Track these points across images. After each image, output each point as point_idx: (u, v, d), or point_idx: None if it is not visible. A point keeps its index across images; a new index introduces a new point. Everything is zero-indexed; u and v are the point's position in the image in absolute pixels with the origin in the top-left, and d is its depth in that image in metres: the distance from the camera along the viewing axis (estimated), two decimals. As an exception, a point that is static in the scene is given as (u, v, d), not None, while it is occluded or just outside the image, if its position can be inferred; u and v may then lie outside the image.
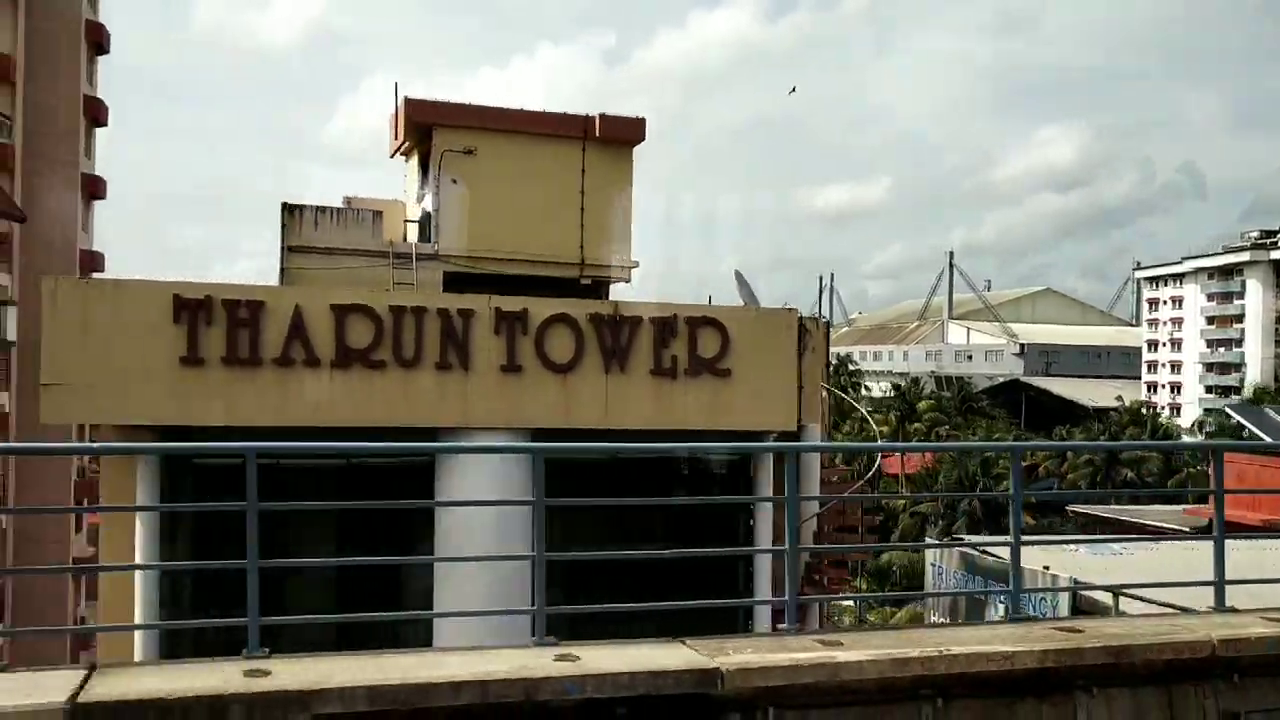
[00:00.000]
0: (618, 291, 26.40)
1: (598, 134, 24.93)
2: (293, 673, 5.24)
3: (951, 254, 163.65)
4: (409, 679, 5.17)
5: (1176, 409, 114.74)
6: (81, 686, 4.67)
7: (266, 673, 5.19)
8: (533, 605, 6.10)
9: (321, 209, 23.98)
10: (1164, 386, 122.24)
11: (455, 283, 24.35)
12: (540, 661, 5.47)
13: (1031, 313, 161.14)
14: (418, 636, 11.61)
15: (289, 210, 23.64)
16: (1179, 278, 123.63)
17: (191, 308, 11.92)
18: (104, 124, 45.80)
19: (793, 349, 14.23)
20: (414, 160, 27.05)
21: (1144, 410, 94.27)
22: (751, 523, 14.20)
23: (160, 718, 4.66)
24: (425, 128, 24.20)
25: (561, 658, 5.53)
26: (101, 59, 46.23)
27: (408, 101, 24.13)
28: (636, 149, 25.46)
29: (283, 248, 23.47)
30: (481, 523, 11.85)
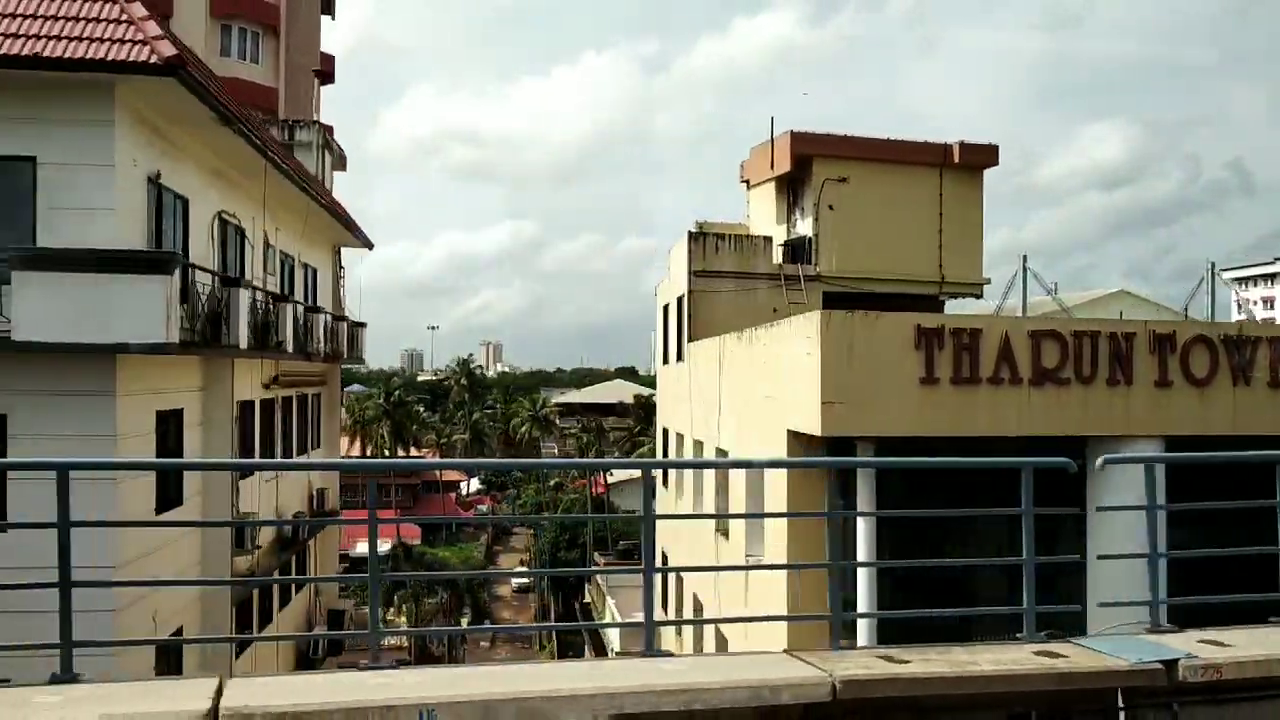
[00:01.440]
0: (968, 306, 28.21)
1: (955, 160, 26.72)
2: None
3: (1025, 257, 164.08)
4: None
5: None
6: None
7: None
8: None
9: (721, 236, 25.89)
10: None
11: (833, 301, 26.21)
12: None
13: (1107, 315, 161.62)
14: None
15: (694, 237, 25.59)
16: (1270, 278, 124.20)
17: (928, 335, 13.82)
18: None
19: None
20: (759, 188, 28.95)
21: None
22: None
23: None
24: (805, 158, 26.06)
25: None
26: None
27: (793, 135, 26.00)
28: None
29: (689, 272, 25.40)
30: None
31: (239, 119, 15.94)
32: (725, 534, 20.43)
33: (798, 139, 25.99)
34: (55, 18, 13.95)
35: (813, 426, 13.74)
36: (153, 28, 13.69)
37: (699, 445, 23.81)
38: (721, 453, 20.61)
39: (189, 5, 31.05)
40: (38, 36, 13.72)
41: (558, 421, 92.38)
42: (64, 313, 13.30)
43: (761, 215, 28.84)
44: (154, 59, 13.39)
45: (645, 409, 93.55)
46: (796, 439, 14.91)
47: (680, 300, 26.58)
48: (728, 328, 24.78)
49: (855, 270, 26.29)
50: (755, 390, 17.48)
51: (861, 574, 14.25)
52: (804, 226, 26.83)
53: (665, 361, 29.60)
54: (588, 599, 51.46)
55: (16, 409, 13.93)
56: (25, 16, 13.96)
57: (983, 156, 27.08)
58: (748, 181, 29.63)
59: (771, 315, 25.48)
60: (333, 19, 47.29)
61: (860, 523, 14.18)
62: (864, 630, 13.95)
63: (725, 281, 25.40)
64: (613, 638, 38.96)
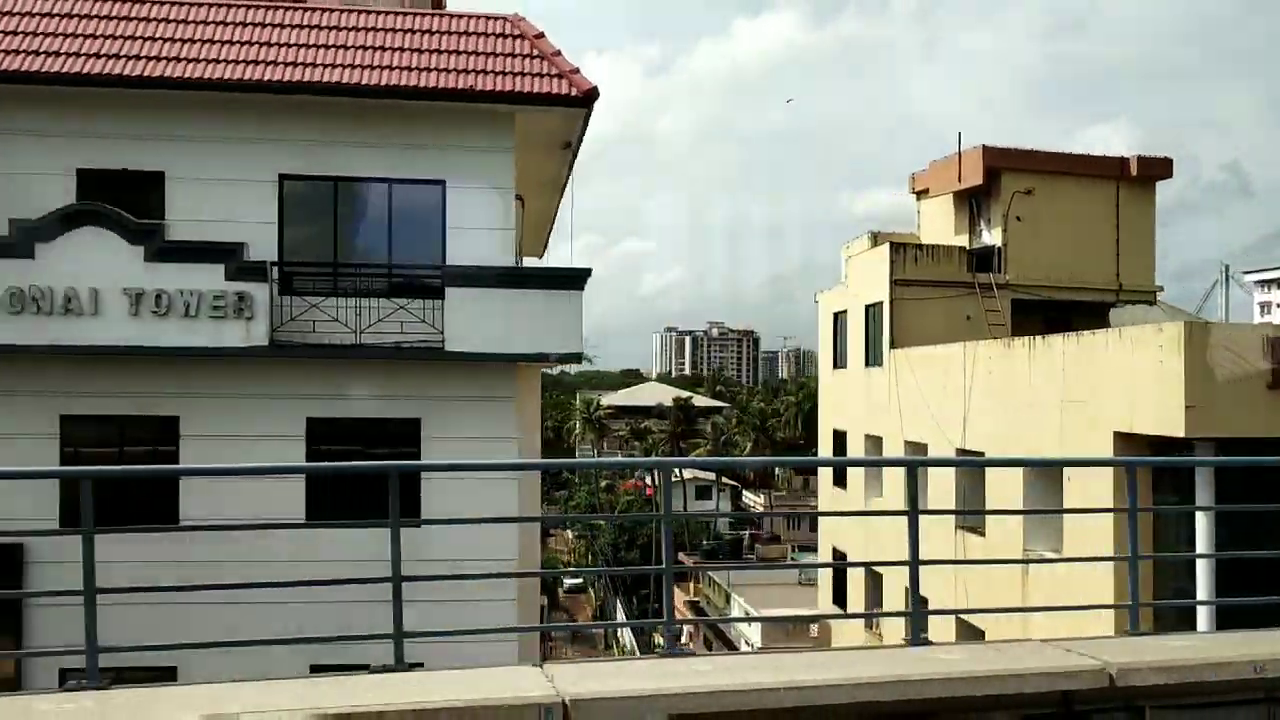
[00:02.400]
0: (1142, 314, 29.37)
1: (1132, 173, 27.94)
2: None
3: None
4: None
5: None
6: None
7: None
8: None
9: (920, 247, 27.05)
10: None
11: (1021, 308, 27.43)
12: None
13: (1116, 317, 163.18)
14: None
15: (895, 248, 26.75)
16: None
17: (1274, 344, 15.01)
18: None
19: None
20: (935, 199, 30.12)
21: None
22: None
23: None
24: (995, 171, 27.25)
25: None
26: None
27: (985, 149, 27.17)
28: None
29: (891, 281, 26.55)
30: None
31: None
32: (975, 531, 21.53)
33: (989, 153, 27.18)
34: (459, 52, 15.03)
35: (1170, 429, 14.89)
36: (565, 62, 14.76)
37: (911, 445, 24.94)
38: (968, 453, 21.73)
39: None
40: (443, 70, 14.79)
41: (609, 424, 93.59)
42: (490, 325, 14.38)
43: (936, 225, 30.00)
44: (574, 91, 14.47)
45: (684, 411, 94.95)
46: (1127, 440, 16.06)
47: (871, 308, 27.73)
48: (926, 334, 25.98)
49: (1040, 278, 27.50)
50: (1043, 394, 18.60)
51: (1200, 565, 15.41)
52: (989, 236, 28.01)
53: (839, 366, 30.74)
54: (693, 596, 52.60)
55: (430, 413, 14.99)
56: (432, 52, 15.03)
57: (1157, 169, 28.31)
58: (918, 193, 30.81)
59: (965, 323, 26.71)
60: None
61: (1200, 517, 15.34)
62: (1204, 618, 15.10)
63: (922, 290, 26.56)
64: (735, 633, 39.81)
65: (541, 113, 15.08)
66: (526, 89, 14.53)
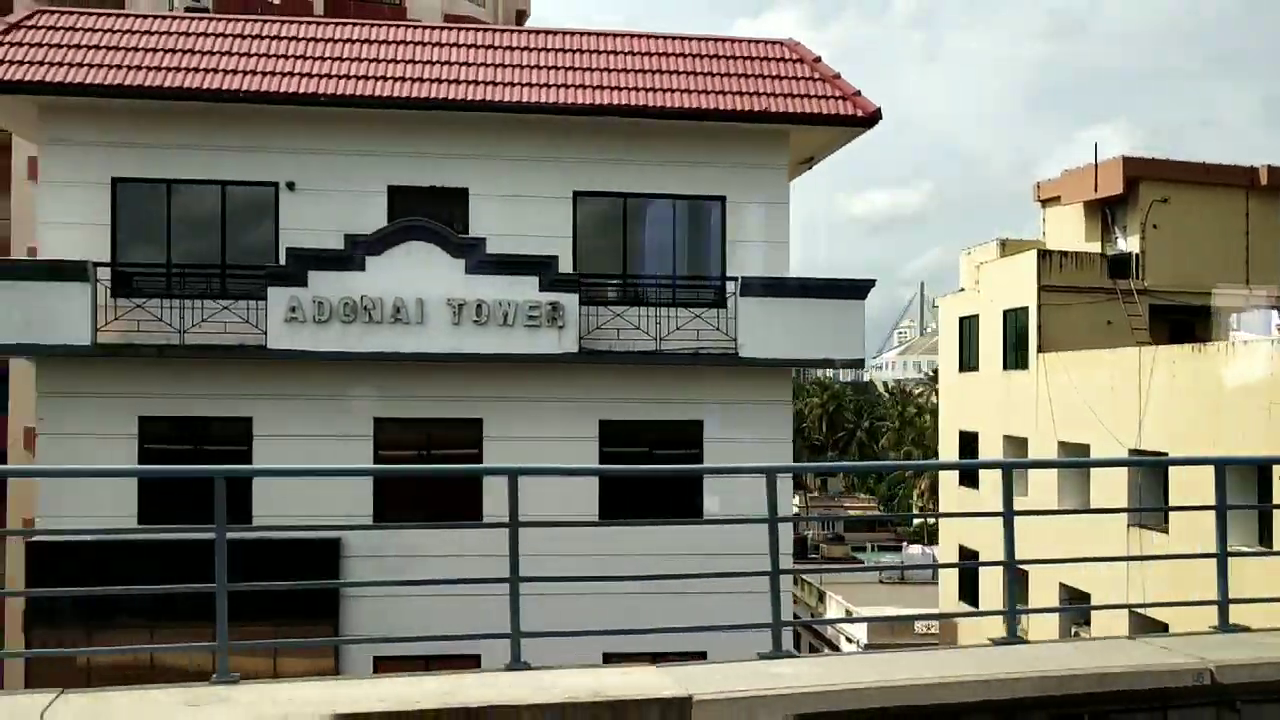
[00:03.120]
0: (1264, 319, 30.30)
1: (1263, 182, 28.89)
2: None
3: None
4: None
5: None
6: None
7: None
8: None
9: (1064, 254, 27.99)
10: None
11: (1159, 313, 28.37)
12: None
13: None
14: None
15: (1042, 255, 27.67)
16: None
17: None
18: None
19: None
20: (1063, 207, 31.04)
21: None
22: None
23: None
24: (1133, 180, 28.18)
25: None
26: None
27: (1125, 159, 28.11)
28: None
29: (1039, 287, 27.48)
30: None
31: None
32: (1156, 529, 22.43)
33: (1129, 163, 28.13)
34: (744, 75, 15.93)
35: None
36: (847, 85, 15.68)
37: (1066, 446, 25.85)
38: (1145, 453, 22.64)
39: None
40: (730, 93, 15.69)
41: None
42: (781, 333, 15.29)
43: (1063, 232, 30.93)
44: (859, 112, 15.39)
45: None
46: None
47: (1011, 313, 28.67)
48: (1069, 339, 26.95)
49: (1175, 284, 28.43)
50: (1244, 395, 19.52)
51: None
52: (1124, 243, 28.95)
53: (966, 369, 31.65)
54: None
55: (713, 416, 15.89)
56: (717, 75, 15.93)
57: (1288, 178, 29.26)
58: (1043, 201, 31.77)
59: (1107, 328, 27.65)
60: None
61: None
62: None
63: (1066, 295, 27.49)
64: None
65: (811, 131, 16.00)
66: (813, 110, 15.43)
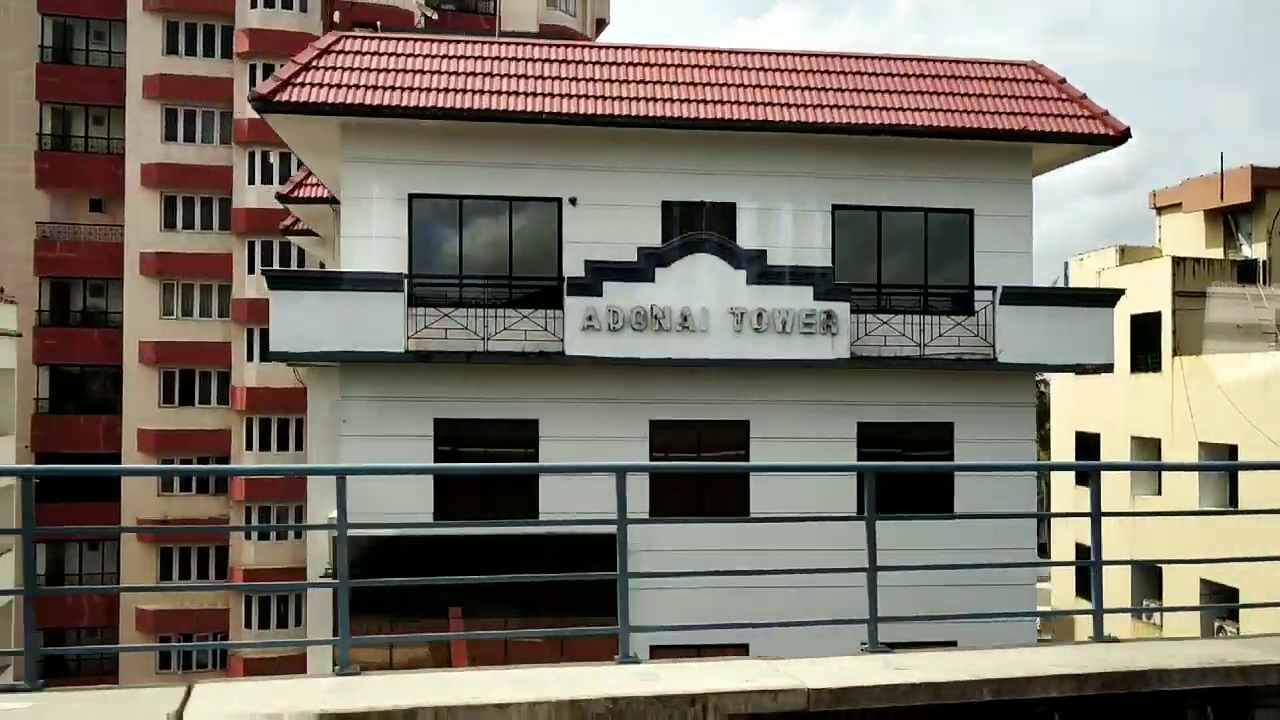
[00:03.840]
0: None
1: (1375, 188, 29.88)
2: None
3: None
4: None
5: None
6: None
7: None
8: None
9: (1198, 260, 28.94)
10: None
11: (1284, 318, 29.25)
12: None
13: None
14: None
15: (1176, 261, 28.63)
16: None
17: None
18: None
19: None
20: (1183, 215, 32.02)
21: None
22: None
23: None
24: (1260, 189, 29.18)
25: None
26: None
27: (1254, 169, 29.11)
28: None
29: (1174, 292, 28.42)
30: None
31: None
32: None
33: (1257, 173, 29.14)
34: (993, 95, 16.85)
35: None
36: (1094, 105, 16.61)
37: (1208, 447, 26.78)
38: (1303, 453, 23.56)
39: None
40: (981, 113, 16.60)
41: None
42: (1037, 339, 16.20)
43: (1181, 238, 31.92)
44: (1110, 131, 16.32)
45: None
46: None
47: (1140, 318, 29.62)
48: (1199, 343, 27.93)
49: (1297, 289, 29.42)
50: None
51: None
52: (1249, 250, 29.94)
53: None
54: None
55: (958, 418, 16.77)
56: (967, 95, 16.85)
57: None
58: (1160, 209, 32.77)
59: (1235, 331, 28.60)
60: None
61: None
62: None
63: (1198, 301, 28.46)
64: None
65: (1052, 148, 16.92)
66: (1064, 129, 16.35)
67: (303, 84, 15.20)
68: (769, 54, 17.11)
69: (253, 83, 39.35)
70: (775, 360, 15.75)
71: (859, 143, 16.55)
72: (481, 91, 15.80)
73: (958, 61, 17.40)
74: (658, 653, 16.34)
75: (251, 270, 39.39)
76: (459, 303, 15.81)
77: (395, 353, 15.11)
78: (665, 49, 17.04)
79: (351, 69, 15.77)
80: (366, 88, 15.56)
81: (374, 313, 14.99)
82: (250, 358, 39.47)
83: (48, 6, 39.54)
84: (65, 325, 40.45)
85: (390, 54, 16.07)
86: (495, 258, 16.19)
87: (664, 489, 16.17)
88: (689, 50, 17.04)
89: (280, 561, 39.07)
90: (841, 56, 17.28)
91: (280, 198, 22.49)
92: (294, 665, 36.16)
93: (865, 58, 17.34)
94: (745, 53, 17.14)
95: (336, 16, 35.68)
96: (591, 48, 17.08)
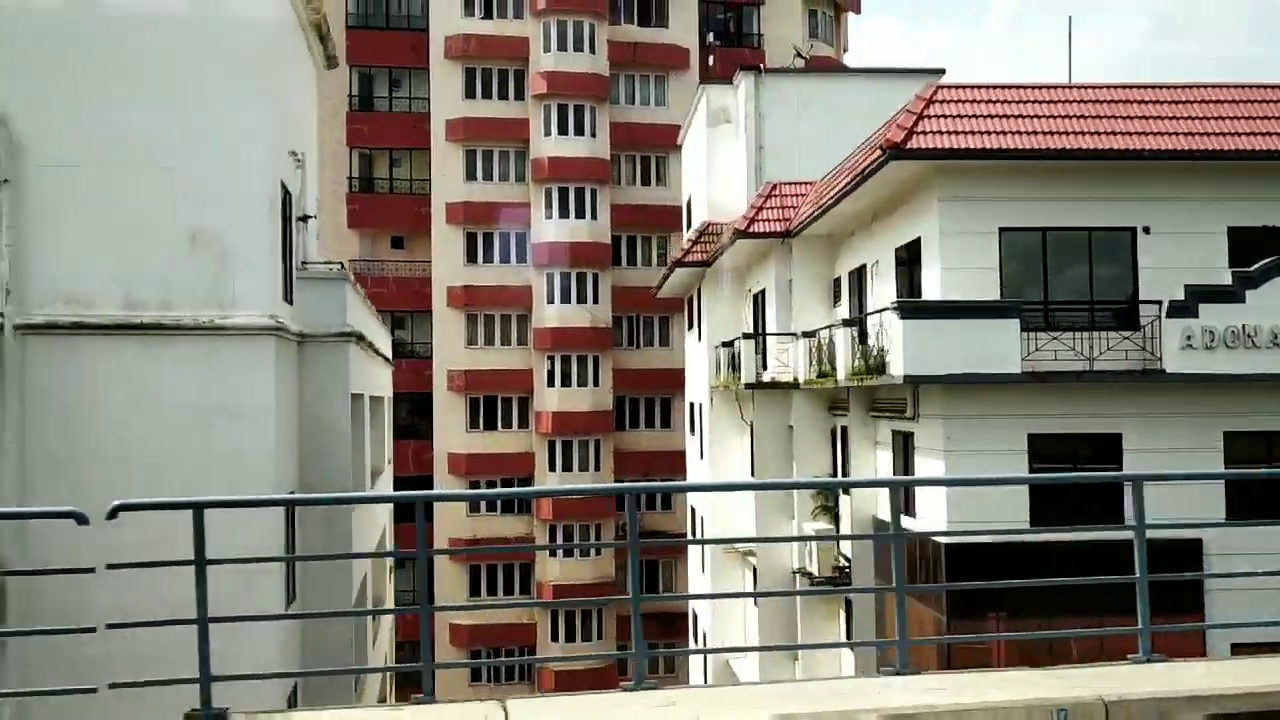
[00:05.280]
0: None
1: None
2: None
3: None
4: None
5: None
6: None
7: None
8: None
9: None
10: None
11: None
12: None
13: None
14: None
15: None
16: None
17: None
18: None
19: None
20: None
21: None
22: None
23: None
24: None
25: None
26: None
27: None
28: None
29: None
30: None
31: None
32: None
33: None
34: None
35: None
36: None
37: None
38: None
39: None
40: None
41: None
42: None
43: None
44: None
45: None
46: None
47: None
48: None
49: None
50: None
51: None
52: None
53: None
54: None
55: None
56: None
57: None
58: None
59: None
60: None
61: None
62: None
63: None
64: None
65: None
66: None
67: (922, 132, 16.75)
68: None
69: (547, 122, 41.66)
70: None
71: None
72: (1064, 133, 17.21)
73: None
74: (1238, 650, 17.46)
75: (550, 300, 41.56)
76: (1048, 326, 17.15)
77: (1012, 374, 16.47)
78: (1213, 87, 18.30)
79: (952, 116, 17.31)
80: (968, 133, 17.07)
81: (991, 338, 16.38)
82: (551, 384, 41.54)
83: (357, 59, 42.26)
84: (375, 357, 42.95)
85: (980, 100, 17.58)
86: (1075, 283, 17.51)
87: (1240, 495, 17.27)
88: (1229, 87, 18.30)
89: (583, 578, 40.92)
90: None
91: (737, 232, 24.17)
92: (598, 679, 37.93)
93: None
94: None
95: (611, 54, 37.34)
96: (1153, 88, 18.39)
